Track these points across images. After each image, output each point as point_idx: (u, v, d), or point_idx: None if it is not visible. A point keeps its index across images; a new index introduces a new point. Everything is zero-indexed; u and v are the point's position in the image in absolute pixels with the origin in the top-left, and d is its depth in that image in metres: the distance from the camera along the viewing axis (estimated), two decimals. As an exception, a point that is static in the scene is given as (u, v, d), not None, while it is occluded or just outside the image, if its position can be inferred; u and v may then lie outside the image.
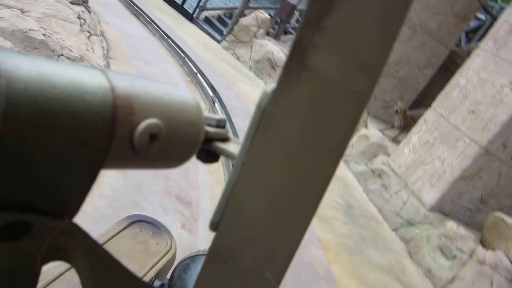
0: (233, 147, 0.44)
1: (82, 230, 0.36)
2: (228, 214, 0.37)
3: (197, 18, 10.26)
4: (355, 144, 6.13)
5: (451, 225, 4.50)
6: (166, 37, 7.05)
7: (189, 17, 10.20)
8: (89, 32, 4.84)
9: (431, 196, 4.91)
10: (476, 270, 4.05)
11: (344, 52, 0.31)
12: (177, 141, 0.38)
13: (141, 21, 7.62)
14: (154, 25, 7.45)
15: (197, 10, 10.28)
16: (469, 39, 10.57)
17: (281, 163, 0.34)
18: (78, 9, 5.23)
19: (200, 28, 9.82)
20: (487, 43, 5.09)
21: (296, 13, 10.49)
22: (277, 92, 0.32)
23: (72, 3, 5.27)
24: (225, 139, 0.45)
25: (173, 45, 6.85)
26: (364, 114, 6.59)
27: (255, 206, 0.36)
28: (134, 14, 7.81)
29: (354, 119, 0.33)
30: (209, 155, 0.45)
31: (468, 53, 8.10)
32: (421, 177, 5.16)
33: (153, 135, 0.35)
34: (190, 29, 9.26)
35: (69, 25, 4.54)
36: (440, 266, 4.19)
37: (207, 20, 10.48)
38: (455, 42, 7.85)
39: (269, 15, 9.43)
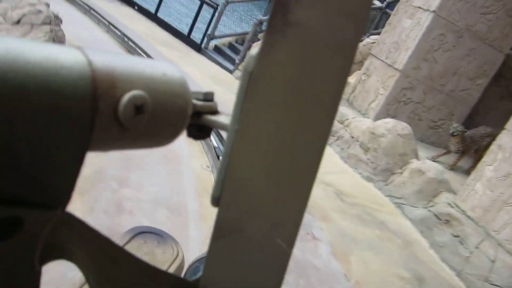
0: (224, 118, 0.42)
1: (77, 219, 0.34)
2: (228, 185, 0.36)
3: (206, 48, 9.28)
4: (407, 182, 4.86)
5: None
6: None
7: (197, 47, 9.23)
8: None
9: (528, 250, 3.59)
10: None
11: (326, 2, 0.30)
12: (164, 113, 0.37)
13: (137, 58, 6.61)
14: (152, 60, 6.43)
15: (205, 39, 9.29)
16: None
17: (275, 126, 0.34)
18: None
19: (209, 59, 8.82)
20: None
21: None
22: (262, 53, 0.32)
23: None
24: (215, 112, 0.44)
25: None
26: (412, 142, 5.33)
27: (254, 174, 0.35)
28: (130, 52, 6.83)
29: (345, 71, 0.32)
30: (200, 130, 0.43)
31: (525, 55, 6.81)
32: (508, 222, 3.84)
33: (138, 107, 0.34)
34: (197, 61, 8.26)
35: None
36: None
37: (217, 49, 9.48)
38: (511, 45, 6.53)
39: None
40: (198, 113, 0.42)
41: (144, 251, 0.84)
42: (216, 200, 0.36)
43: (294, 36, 0.31)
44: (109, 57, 0.34)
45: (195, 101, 0.42)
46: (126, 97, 0.32)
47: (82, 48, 0.33)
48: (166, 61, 0.40)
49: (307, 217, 3.52)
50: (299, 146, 0.34)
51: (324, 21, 0.30)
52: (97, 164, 2.94)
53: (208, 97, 0.43)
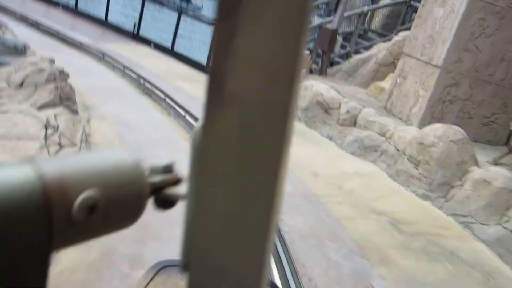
0: (185, 188, 0.43)
1: None
2: (193, 253, 0.37)
3: (227, 75, 8.87)
4: (471, 195, 4.19)
5: None
6: (183, 115, 5.60)
7: (218, 76, 8.84)
8: (59, 144, 3.45)
9: None
10: None
11: (256, 70, 0.31)
12: (119, 203, 0.38)
13: (154, 100, 6.27)
14: (170, 100, 6.06)
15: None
16: None
17: (228, 192, 0.35)
18: (50, 113, 3.91)
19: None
20: None
21: (339, 39, 8.82)
22: (205, 125, 0.33)
23: (41, 108, 3.96)
24: (177, 182, 0.44)
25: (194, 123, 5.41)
26: (469, 147, 4.66)
27: (215, 240, 0.36)
28: (147, 93, 6.50)
29: (284, 131, 0.33)
30: (165, 202, 0.43)
31: None
32: None
33: (91, 207, 0.35)
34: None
35: (24, 144, 3.19)
36: None
37: (239, 74, 9.06)
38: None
39: (308, 49, 7.85)
40: (158, 188, 0.42)
41: (169, 286, 0.84)
42: (186, 266, 0.37)
43: (232, 105, 0.32)
44: (59, 164, 0.34)
45: (153, 178, 0.41)
46: (78, 201, 0.33)
47: (32, 161, 0.33)
48: (118, 150, 0.40)
49: (363, 264, 2.96)
50: (253, 208, 0.34)
51: (256, 87, 0.31)
52: (105, 243, 2.51)
53: (167, 169, 0.43)
